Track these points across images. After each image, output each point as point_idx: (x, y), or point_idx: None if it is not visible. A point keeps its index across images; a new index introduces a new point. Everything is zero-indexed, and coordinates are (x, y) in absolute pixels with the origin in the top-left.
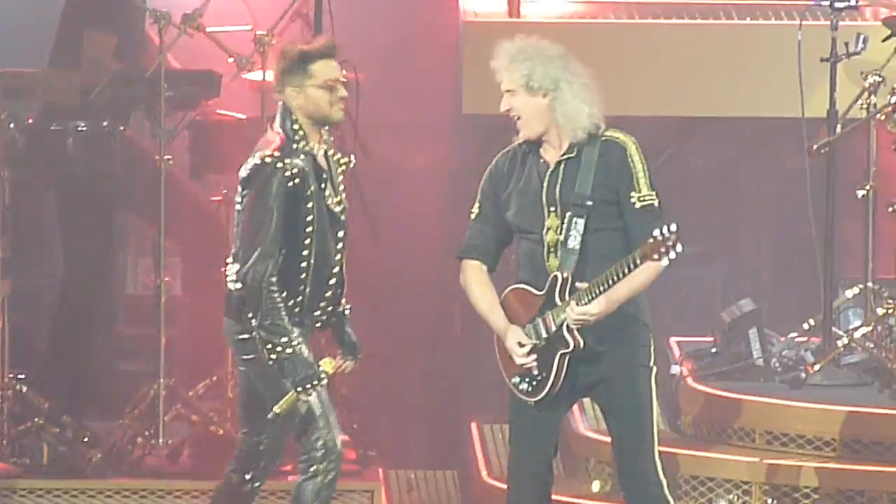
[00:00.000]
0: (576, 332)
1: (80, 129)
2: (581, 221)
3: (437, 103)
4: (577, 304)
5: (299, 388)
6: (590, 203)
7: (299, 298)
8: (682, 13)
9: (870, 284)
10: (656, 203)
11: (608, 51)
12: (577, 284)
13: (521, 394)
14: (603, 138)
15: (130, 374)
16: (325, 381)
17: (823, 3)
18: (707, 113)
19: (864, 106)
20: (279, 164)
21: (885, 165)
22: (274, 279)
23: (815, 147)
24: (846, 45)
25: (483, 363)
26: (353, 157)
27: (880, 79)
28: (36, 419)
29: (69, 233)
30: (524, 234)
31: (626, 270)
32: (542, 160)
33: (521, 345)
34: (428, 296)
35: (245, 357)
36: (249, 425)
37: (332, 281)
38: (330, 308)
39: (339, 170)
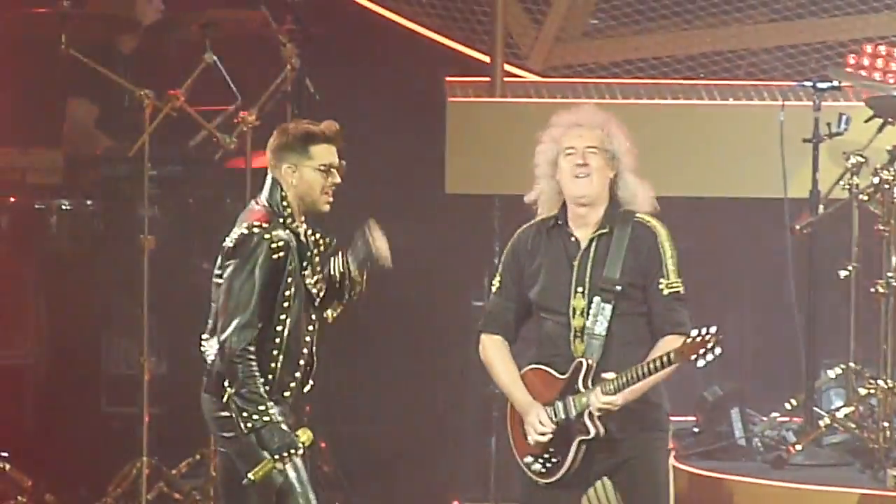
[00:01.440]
0: (597, 420)
1: (63, 207)
2: (609, 307)
3: (420, 181)
4: (602, 394)
5: (276, 457)
6: (619, 288)
7: (269, 376)
8: (664, 93)
9: (852, 364)
10: (682, 290)
11: None
12: (604, 375)
13: (533, 474)
14: (635, 219)
15: (113, 452)
16: (301, 451)
17: (806, 84)
18: (689, 193)
19: (847, 186)
20: (266, 236)
21: (867, 246)
22: (252, 349)
23: (797, 227)
24: (829, 125)
25: (463, 443)
26: (333, 238)
27: (863, 159)
28: (19, 497)
29: (52, 311)
30: (548, 313)
31: (658, 367)
32: (572, 237)
33: (541, 423)
34: (409, 376)
35: (225, 435)
36: None
37: (302, 361)
38: (299, 387)
39: (317, 250)
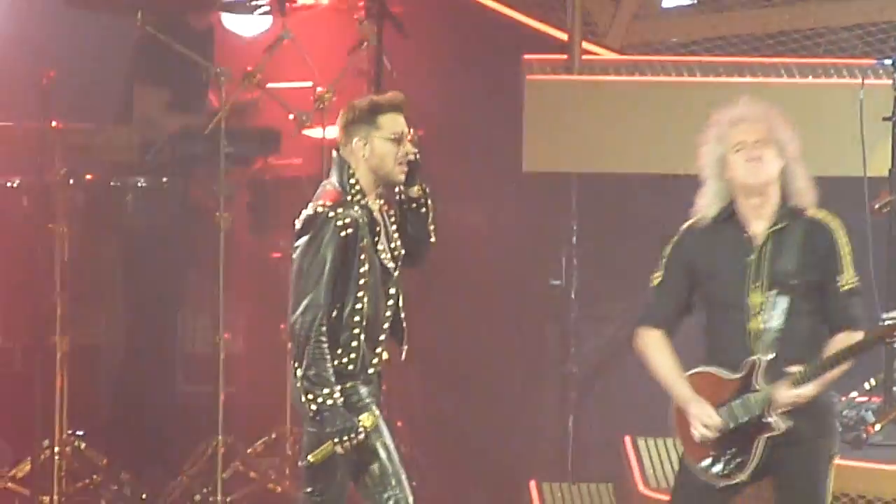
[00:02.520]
0: (780, 416)
1: (139, 185)
2: (785, 301)
3: (498, 160)
4: (791, 386)
5: (336, 440)
6: (796, 282)
7: (353, 355)
8: (744, 71)
9: None
10: (858, 285)
11: (671, 108)
12: (789, 369)
13: (711, 477)
14: (808, 214)
15: (189, 431)
16: (362, 435)
17: (886, 61)
18: None
19: None
20: (331, 214)
21: None
22: (323, 329)
23: (876, 206)
24: None
25: (541, 423)
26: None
27: None
28: (94, 476)
29: (128, 289)
30: (722, 308)
31: (850, 354)
32: (745, 234)
33: (708, 416)
34: (486, 356)
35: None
36: (313, 485)
37: (382, 337)
38: (381, 362)
39: (393, 227)
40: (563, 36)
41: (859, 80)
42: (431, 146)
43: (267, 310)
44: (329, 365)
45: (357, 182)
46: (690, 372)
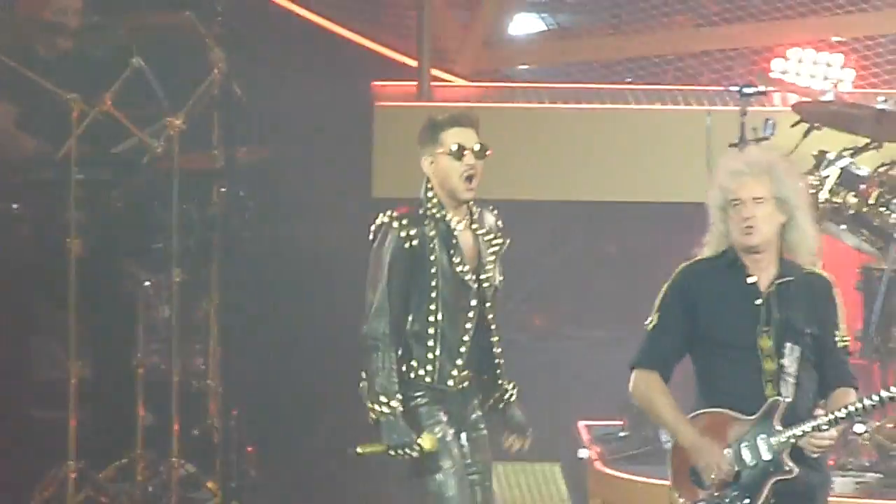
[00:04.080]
0: (793, 461)
1: None
2: (798, 349)
3: (347, 186)
4: (821, 431)
5: (390, 451)
6: (807, 331)
7: (428, 366)
8: (592, 98)
9: None
10: (849, 344)
11: (518, 135)
12: (817, 412)
13: None
14: (806, 271)
15: (40, 456)
16: (416, 452)
17: (732, 88)
18: (617, 198)
19: None
20: (395, 224)
21: None
22: (386, 335)
23: None
24: (755, 130)
25: None
26: (506, 240)
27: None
28: None
29: None
30: (728, 350)
31: (875, 404)
32: (749, 280)
33: (723, 463)
34: (342, 382)
35: None
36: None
37: (463, 349)
38: (461, 377)
39: (490, 249)
40: (413, 62)
41: (706, 107)
42: (283, 170)
43: (117, 335)
44: (394, 375)
45: (434, 196)
46: (695, 413)
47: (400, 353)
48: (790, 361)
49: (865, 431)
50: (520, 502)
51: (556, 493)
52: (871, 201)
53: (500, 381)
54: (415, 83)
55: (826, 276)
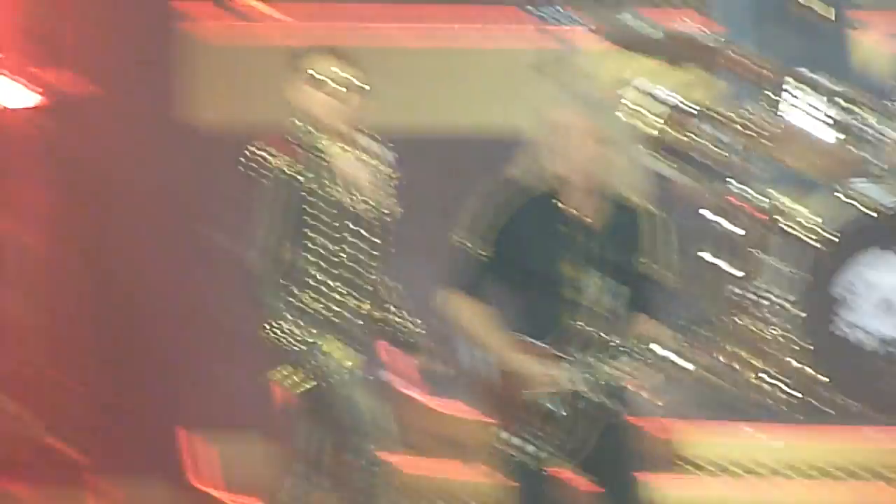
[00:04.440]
0: (600, 392)
1: None
2: (599, 276)
3: (154, 113)
4: (613, 360)
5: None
6: (615, 261)
7: (321, 299)
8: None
9: None
10: (656, 272)
11: None
12: (620, 344)
13: (522, 455)
14: (623, 199)
15: None
16: (322, 355)
17: (533, 11)
18: (428, 130)
19: None
20: (272, 155)
21: None
22: (273, 264)
23: None
24: (556, 53)
25: (197, 370)
26: (393, 168)
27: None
28: None
29: None
30: (539, 279)
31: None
32: (567, 210)
33: (553, 375)
34: (150, 307)
35: None
36: None
37: (353, 279)
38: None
39: (377, 178)
40: None
41: (511, 32)
42: (91, 103)
43: None
44: (282, 299)
45: (306, 126)
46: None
47: (291, 286)
48: (599, 293)
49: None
50: None
51: None
52: (676, 126)
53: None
54: (218, 6)
55: (638, 203)
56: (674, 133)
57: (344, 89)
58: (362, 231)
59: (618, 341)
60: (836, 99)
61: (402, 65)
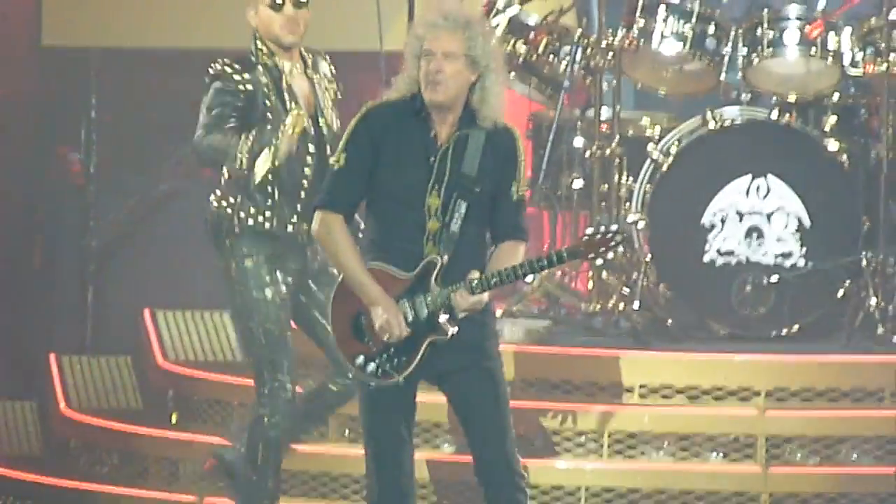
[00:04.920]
0: (449, 320)
1: None
2: (464, 206)
3: (14, 33)
4: (471, 292)
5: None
6: (477, 189)
7: (267, 213)
8: None
9: None
10: (526, 196)
11: None
12: (472, 275)
13: (365, 376)
14: (490, 124)
15: None
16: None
17: None
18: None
19: None
20: (228, 69)
21: None
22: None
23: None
24: None
25: (60, 296)
26: (340, 85)
27: None
28: None
29: None
30: (397, 204)
31: (543, 266)
32: (431, 131)
33: (400, 323)
34: (7, 228)
35: None
36: None
37: (303, 194)
38: (303, 225)
39: (326, 95)
40: None
41: None
42: None
43: None
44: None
45: (263, 45)
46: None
47: (239, 200)
48: (456, 219)
49: (534, 280)
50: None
51: (226, 340)
52: (539, 50)
53: None
54: None
55: (511, 128)
56: (537, 54)
57: (300, 10)
58: (316, 147)
59: (477, 272)
60: (706, 25)
61: None
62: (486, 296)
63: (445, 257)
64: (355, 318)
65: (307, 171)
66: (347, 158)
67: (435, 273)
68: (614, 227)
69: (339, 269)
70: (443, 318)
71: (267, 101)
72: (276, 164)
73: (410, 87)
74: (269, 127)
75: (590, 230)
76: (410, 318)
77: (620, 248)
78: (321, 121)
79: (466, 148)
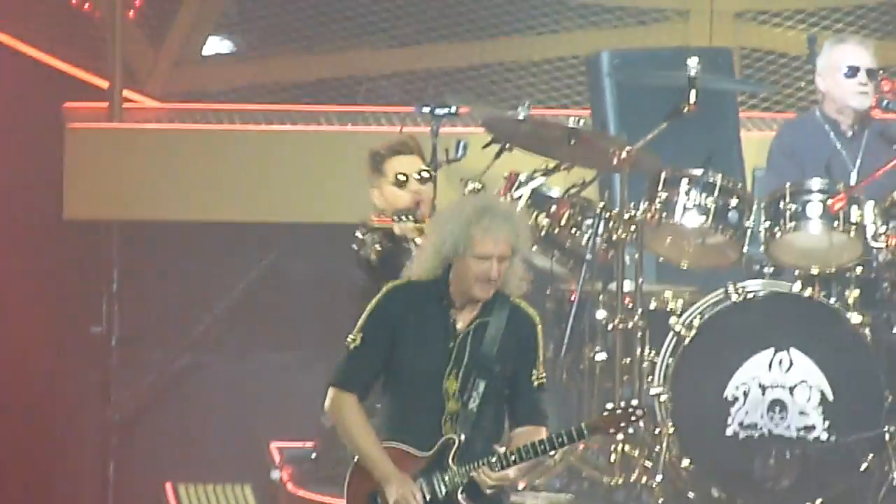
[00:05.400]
0: (467, 499)
1: None
2: (483, 384)
3: (37, 207)
4: (492, 469)
5: None
6: (497, 369)
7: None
8: (283, 119)
9: None
10: (546, 382)
11: (211, 156)
12: (499, 449)
13: None
14: (513, 304)
15: None
16: None
17: (424, 109)
18: (309, 219)
19: None
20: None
21: None
22: None
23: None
24: (447, 151)
25: (81, 469)
26: None
27: (481, 185)
28: None
29: None
30: (416, 388)
31: (564, 442)
32: (451, 318)
33: (415, 500)
34: (25, 404)
35: None
36: None
37: None
38: None
39: None
40: (104, 83)
41: (398, 127)
42: None
43: None
44: None
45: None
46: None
47: None
48: (474, 398)
49: (556, 452)
50: None
51: None
52: (562, 223)
53: None
54: (106, 104)
55: (532, 313)
56: (559, 227)
57: (424, 186)
58: None
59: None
60: (729, 198)
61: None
62: (512, 472)
63: (463, 436)
64: (371, 498)
65: None
66: (364, 339)
67: (452, 452)
68: (634, 402)
69: (352, 448)
70: (460, 497)
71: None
72: None
73: (436, 271)
74: None
75: (610, 405)
76: (428, 497)
77: (640, 424)
78: None
79: (487, 330)
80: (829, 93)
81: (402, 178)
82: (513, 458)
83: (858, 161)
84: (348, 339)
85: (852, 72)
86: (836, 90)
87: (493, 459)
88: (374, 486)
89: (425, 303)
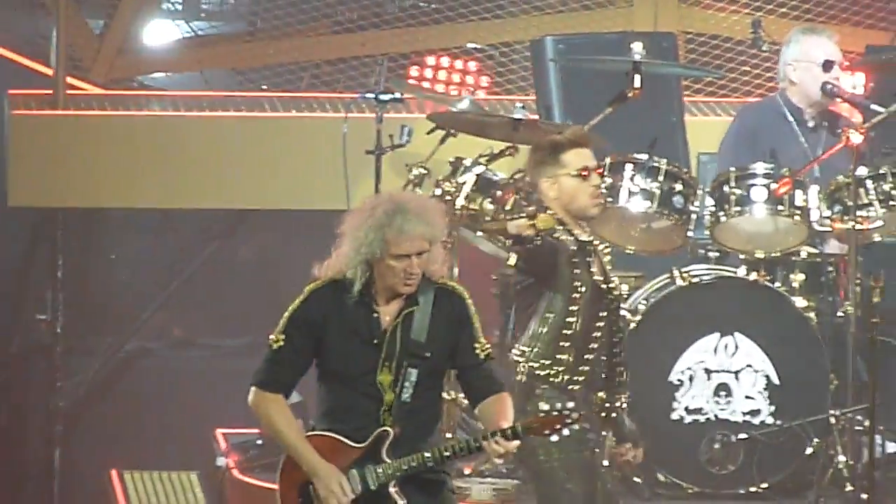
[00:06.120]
0: (398, 491)
1: None
2: (415, 373)
3: None
4: (426, 462)
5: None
6: (427, 355)
7: (561, 367)
8: (227, 105)
9: None
10: (492, 350)
11: (155, 143)
12: (502, 424)
13: None
14: (437, 287)
15: None
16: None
17: (368, 95)
18: (254, 205)
19: None
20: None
21: None
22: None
23: None
24: (391, 137)
25: (26, 457)
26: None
27: (425, 171)
28: None
29: None
30: (347, 384)
31: (508, 438)
32: (375, 314)
33: (344, 492)
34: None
35: None
36: None
37: (590, 356)
38: (586, 380)
39: (606, 259)
40: (48, 71)
41: (343, 114)
42: None
43: None
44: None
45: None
46: (310, 433)
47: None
48: (407, 388)
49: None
50: None
51: (193, 502)
52: (507, 207)
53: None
54: (50, 91)
55: (458, 289)
56: (504, 212)
57: (598, 179)
58: (613, 312)
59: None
60: (674, 183)
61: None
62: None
63: (397, 429)
64: (303, 487)
65: (599, 334)
66: (285, 340)
67: (386, 444)
68: (571, 405)
69: (279, 443)
70: (392, 490)
71: (576, 271)
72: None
73: (358, 269)
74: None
75: (545, 407)
76: (360, 489)
77: (575, 427)
78: (611, 285)
79: (414, 316)
80: (802, 83)
81: (584, 172)
82: (447, 454)
83: (820, 151)
84: (270, 339)
85: (829, 66)
86: (811, 82)
87: (426, 456)
88: (306, 477)
89: (349, 301)
